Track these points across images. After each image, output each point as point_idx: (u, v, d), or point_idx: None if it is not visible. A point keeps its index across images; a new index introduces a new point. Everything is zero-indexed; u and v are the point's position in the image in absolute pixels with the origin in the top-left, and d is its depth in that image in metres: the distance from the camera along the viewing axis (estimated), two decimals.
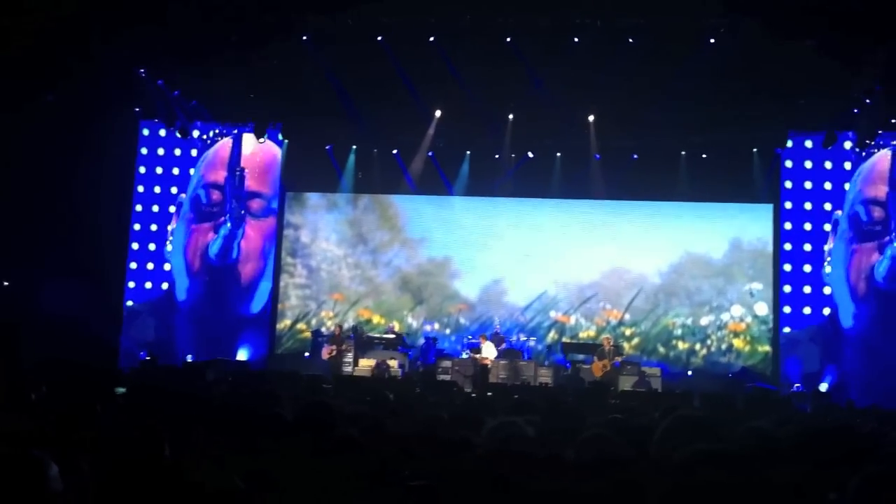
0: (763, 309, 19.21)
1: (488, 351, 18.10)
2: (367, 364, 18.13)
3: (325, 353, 18.59)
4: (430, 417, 5.84)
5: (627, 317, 19.69)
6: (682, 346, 19.42)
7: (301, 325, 20.51)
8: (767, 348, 19.10)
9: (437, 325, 20.29)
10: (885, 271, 18.03)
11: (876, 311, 18.14)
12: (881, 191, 18.41)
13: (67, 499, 2.73)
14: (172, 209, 20.68)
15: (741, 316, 19.25)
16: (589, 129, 19.06)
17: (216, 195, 20.53)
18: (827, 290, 18.62)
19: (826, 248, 18.69)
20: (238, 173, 20.35)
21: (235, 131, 20.55)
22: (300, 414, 4.44)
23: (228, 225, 20.29)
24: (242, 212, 20.31)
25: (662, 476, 2.50)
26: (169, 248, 20.57)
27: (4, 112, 15.98)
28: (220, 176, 20.59)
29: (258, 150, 20.63)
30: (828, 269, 18.61)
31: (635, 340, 19.55)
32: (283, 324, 20.67)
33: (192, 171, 20.77)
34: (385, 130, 19.79)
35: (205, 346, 19.41)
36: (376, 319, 20.36)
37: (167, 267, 20.55)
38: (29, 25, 14.50)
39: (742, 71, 16.49)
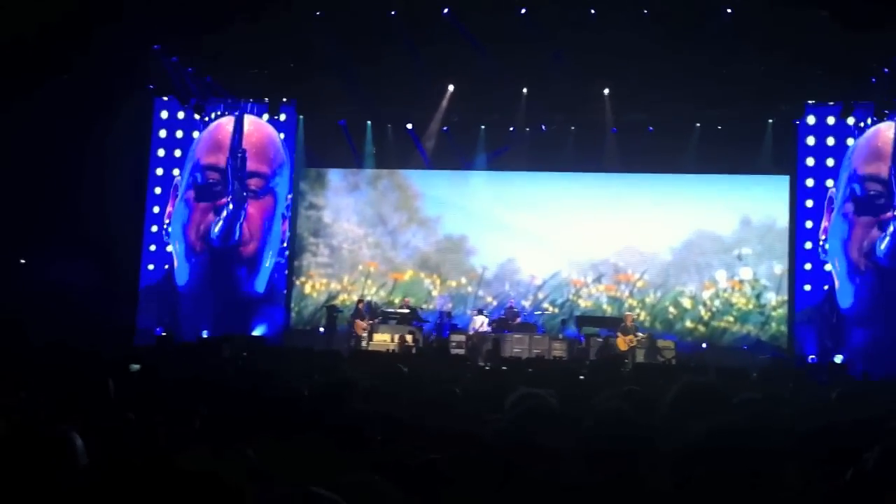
0: (748, 273, 19.25)
1: (479, 322, 18.55)
2: (381, 338, 18.23)
3: (360, 328, 18.66)
4: (443, 393, 5.84)
5: (644, 279, 19.74)
6: (688, 303, 19.50)
7: (340, 288, 20.77)
8: (761, 305, 19.17)
9: (460, 283, 20.41)
10: (887, 248, 17.76)
11: (877, 287, 17.93)
12: (881, 167, 17.97)
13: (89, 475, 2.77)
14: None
15: (730, 277, 19.35)
16: (604, 102, 18.96)
17: (214, 176, 20.30)
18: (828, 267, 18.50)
19: (822, 225, 18.51)
20: (240, 155, 20.17)
21: (237, 112, 20.38)
22: (313, 401, 4.41)
23: (231, 207, 20.05)
24: (245, 194, 20.17)
25: (665, 468, 2.51)
26: (168, 230, 20.55)
27: (19, 92, 16.00)
28: (219, 158, 20.31)
29: (255, 129, 20.49)
30: (826, 245, 18.47)
31: (648, 298, 19.67)
32: (306, 300, 20.89)
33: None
34: (399, 105, 19.74)
35: (221, 322, 19.44)
36: (409, 275, 20.59)
37: (170, 249, 20.52)
38: (41, 3, 14.49)
39: (758, 42, 16.30)
